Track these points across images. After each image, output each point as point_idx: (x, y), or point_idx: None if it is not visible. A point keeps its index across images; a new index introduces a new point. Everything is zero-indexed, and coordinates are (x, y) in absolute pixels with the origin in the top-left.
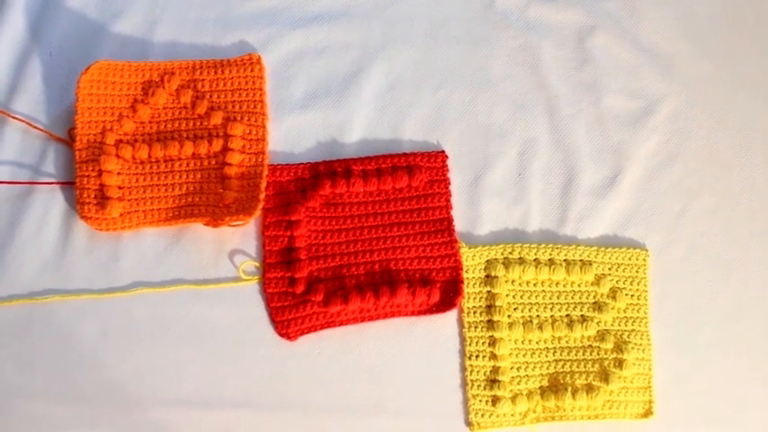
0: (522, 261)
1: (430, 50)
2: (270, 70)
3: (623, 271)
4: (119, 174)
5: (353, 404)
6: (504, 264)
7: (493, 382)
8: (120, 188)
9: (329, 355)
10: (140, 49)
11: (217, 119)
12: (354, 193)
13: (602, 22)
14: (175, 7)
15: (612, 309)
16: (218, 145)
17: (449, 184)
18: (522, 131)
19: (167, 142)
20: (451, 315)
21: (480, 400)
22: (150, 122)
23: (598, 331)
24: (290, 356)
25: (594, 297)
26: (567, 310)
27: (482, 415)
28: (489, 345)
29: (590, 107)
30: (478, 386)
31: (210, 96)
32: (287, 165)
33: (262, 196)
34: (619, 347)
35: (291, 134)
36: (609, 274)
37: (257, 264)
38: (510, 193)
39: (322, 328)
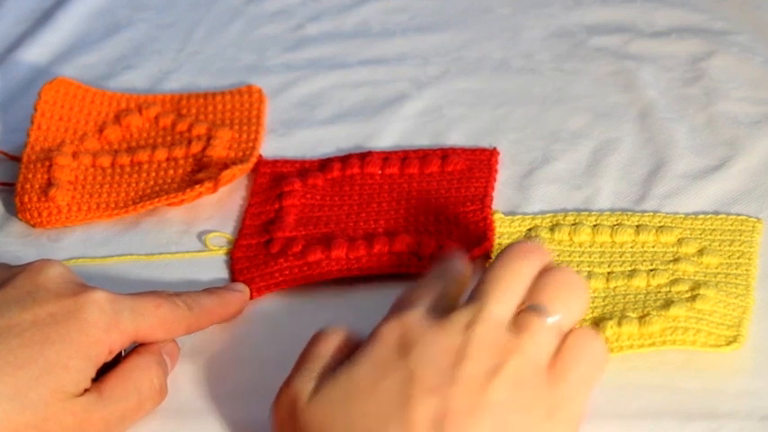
0: (576, 224)
1: (495, 80)
2: (294, 101)
3: (720, 235)
4: (72, 170)
5: None
6: (550, 229)
7: None
8: (70, 182)
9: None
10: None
11: (200, 129)
12: (369, 174)
13: (723, 49)
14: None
15: (699, 264)
16: (198, 146)
17: (495, 171)
18: (601, 134)
19: (137, 150)
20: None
21: None
22: (120, 141)
23: (672, 280)
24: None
25: (674, 255)
26: (631, 265)
27: None
28: None
29: (698, 112)
30: None
31: (197, 116)
32: (291, 159)
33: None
34: (697, 286)
35: (306, 143)
36: (699, 238)
37: (229, 237)
38: (573, 181)
39: (296, 282)
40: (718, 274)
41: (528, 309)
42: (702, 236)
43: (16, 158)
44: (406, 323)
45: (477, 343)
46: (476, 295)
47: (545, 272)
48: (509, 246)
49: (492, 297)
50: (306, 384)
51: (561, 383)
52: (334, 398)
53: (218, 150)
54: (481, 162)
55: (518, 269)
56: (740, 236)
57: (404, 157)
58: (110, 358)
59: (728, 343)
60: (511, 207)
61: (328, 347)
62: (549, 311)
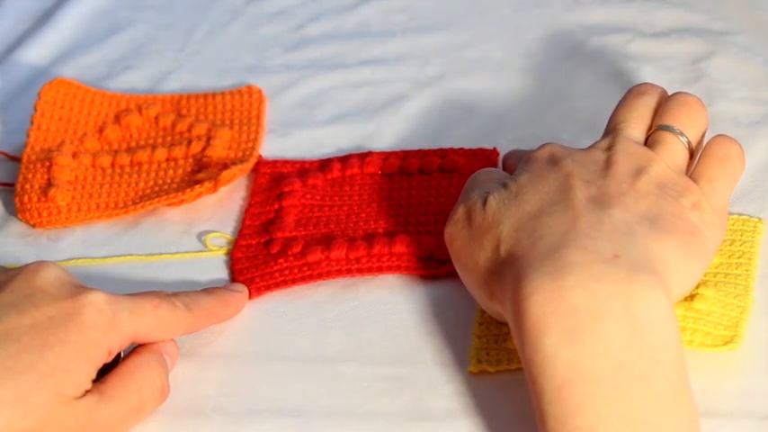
0: None
1: (495, 80)
2: (294, 101)
3: None
4: (72, 170)
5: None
6: None
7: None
8: (70, 183)
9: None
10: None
11: (200, 129)
12: (369, 174)
13: (723, 49)
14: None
15: None
16: (198, 146)
17: (496, 165)
18: (601, 134)
19: (137, 150)
20: None
21: (487, 340)
22: (120, 142)
23: None
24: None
25: None
26: None
27: (487, 353)
28: None
29: None
30: (488, 327)
31: (197, 116)
32: (291, 159)
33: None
34: (696, 285)
35: (306, 144)
36: None
37: (229, 237)
38: None
39: (296, 283)
40: (718, 273)
41: (657, 129)
42: None
43: (16, 158)
44: (553, 148)
45: (620, 153)
46: (608, 130)
47: (663, 101)
48: (629, 89)
49: (624, 125)
50: (478, 197)
51: (702, 181)
52: (504, 198)
53: (218, 150)
54: (481, 162)
55: (641, 102)
56: (741, 236)
57: (404, 157)
58: (109, 359)
59: (725, 343)
60: None
61: (485, 176)
62: (676, 129)
